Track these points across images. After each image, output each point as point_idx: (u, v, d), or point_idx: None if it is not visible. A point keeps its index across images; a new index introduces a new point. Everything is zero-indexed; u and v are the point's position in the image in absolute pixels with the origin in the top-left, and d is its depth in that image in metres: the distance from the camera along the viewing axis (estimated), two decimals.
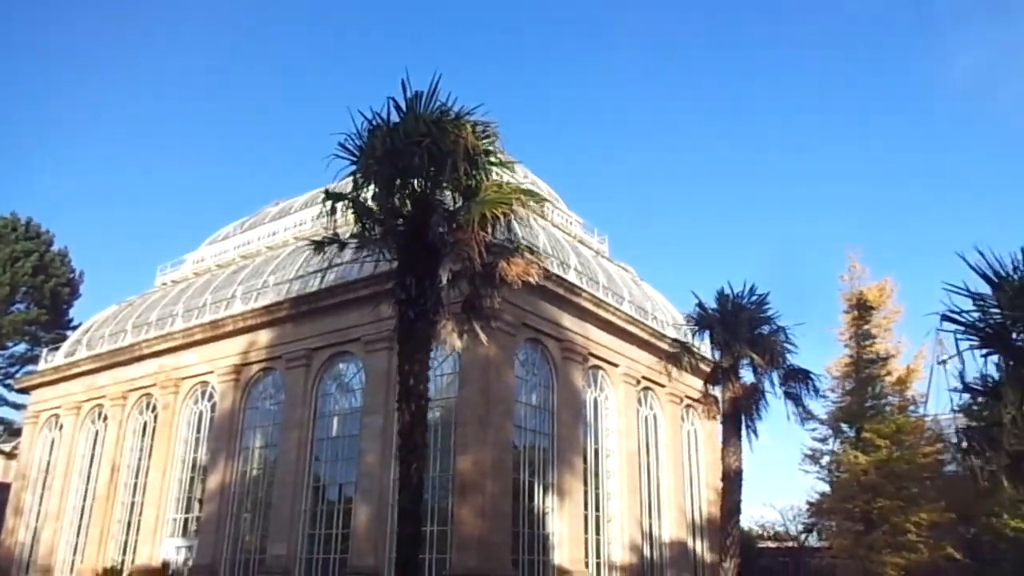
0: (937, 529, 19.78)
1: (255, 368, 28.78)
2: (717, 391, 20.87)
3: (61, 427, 36.20)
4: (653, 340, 30.06)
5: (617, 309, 27.85)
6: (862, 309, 22.02)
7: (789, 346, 19.99)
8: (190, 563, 28.02)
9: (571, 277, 26.31)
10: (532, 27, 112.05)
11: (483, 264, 13.08)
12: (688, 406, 33.09)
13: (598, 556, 25.28)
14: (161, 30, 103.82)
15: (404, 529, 12.98)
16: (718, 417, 20.44)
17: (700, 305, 20.74)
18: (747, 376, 20.26)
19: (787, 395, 20.25)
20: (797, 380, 20.22)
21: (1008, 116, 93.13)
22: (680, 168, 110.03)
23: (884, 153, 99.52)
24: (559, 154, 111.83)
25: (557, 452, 24.43)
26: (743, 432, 19.87)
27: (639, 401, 29.52)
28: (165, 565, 27.02)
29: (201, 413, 30.56)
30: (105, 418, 34.36)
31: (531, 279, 13.97)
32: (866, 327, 21.81)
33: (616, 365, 28.20)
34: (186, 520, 29.33)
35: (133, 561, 29.77)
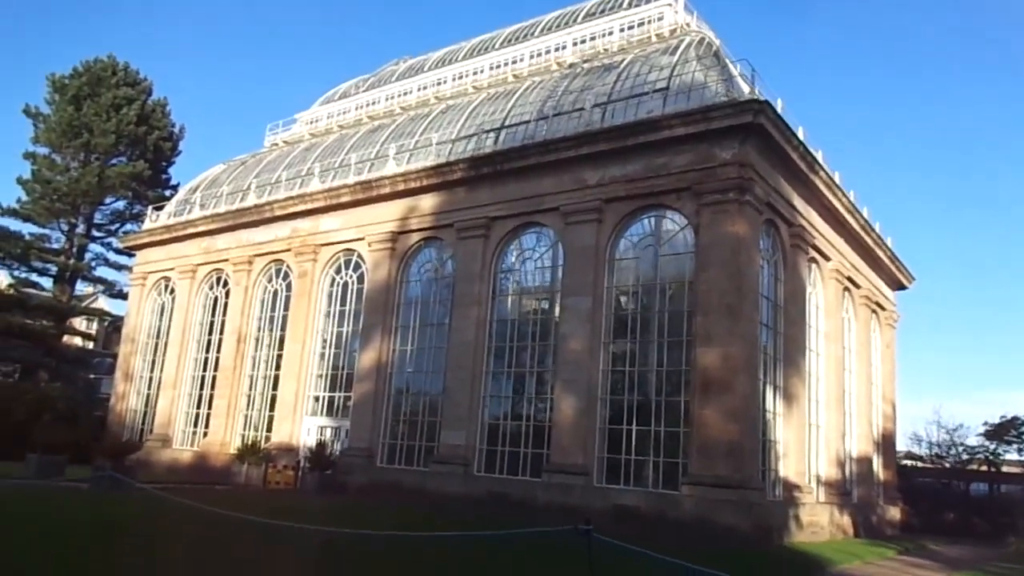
0: None
1: (415, 237, 25.51)
2: None
3: (173, 291, 33.62)
4: (862, 234, 26.45)
5: (845, 194, 24.02)
6: None
7: None
8: (338, 444, 25.76)
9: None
10: None
11: None
12: (874, 311, 29.73)
13: (809, 469, 22.50)
14: None
15: None
16: None
17: None
18: None
19: None
20: None
21: None
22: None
23: None
24: None
25: (784, 351, 21.27)
26: None
27: (840, 302, 26.12)
28: (321, 445, 24.65)
29: (346, 284, 27.58)
30: (226, 283, 31.65)
31: None
32: None
33: (828, 259, 24.68)
34: (331, 399, 26.85)
35: (268, 438, 27.65)
